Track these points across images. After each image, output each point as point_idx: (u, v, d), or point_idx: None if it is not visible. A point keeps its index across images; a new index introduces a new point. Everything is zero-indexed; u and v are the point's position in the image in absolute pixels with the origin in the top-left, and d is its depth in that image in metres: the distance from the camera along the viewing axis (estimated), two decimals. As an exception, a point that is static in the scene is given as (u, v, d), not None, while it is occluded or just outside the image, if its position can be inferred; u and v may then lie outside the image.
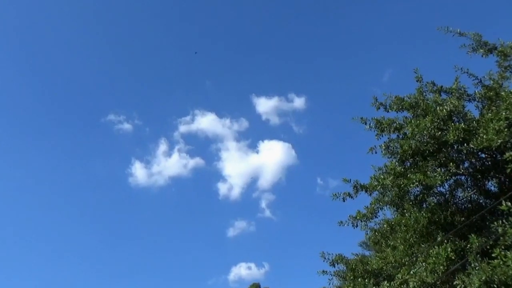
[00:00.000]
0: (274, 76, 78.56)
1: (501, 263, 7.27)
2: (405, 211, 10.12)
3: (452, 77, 10.41)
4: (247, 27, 78.14)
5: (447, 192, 10.29)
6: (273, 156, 66.38)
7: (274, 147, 65.94)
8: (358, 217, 10.05)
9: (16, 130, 72.03)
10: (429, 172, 9.21)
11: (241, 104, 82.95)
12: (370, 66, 71.07)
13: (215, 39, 79.22)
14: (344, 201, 10.12)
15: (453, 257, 8.08)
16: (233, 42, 79.24)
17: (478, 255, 7.77)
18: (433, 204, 10.06)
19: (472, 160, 9.90)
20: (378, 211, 10.16)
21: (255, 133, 74.80)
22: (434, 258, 8.15)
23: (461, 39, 10.48)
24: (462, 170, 9.88)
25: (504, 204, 7.71)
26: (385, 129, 10.22)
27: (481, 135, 8.58)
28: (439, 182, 9.06)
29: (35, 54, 73.30)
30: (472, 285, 7.36)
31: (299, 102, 66.34)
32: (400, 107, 10.31)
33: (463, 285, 7.61)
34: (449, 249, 8.12)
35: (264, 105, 71.74)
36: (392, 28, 72.25)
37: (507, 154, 8.12)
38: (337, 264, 11.14)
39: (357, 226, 10.15)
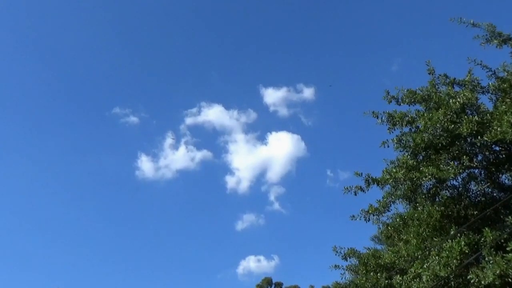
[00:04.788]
0: (282, 66, 77.81)
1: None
2: (417, 204, 10.07)
3: (465, 69, 10.30)
4: (253, 16, 77.66)
5: (460, 186, 10.20)
6: (282, 148, 65.92)
7: (283, 139, 65.43)
8: (370, 211, 10.00)
9: (20, 125, 72.49)
10: (442, 166, 9.15)
11: (248, 95, 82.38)
12: (379, 56, 70.39)
13: (220, 29, 78.75)
14: (355, 194, 10.09)
15: (466, 251, 8.03)
16: (238, 31, 78.75)
17: (492, 249, 7.69)
18: (446, 197, 10.00)
19: (486, 153, 9.80)
20: (391, 205, 10.11)
21: (263, 125, 74.17)
22: (447, 252, 8.10)
23: (474, 30, 10.33)
24: (476, 163, 9.79)
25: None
26: (397, 122, 10.15)
27: (495, 127, 8.49)
28: (452, 176, 9.00)
29: (40, 49, 73.59)
30: (486, 278, 7.30)
31: (308, 93, 65.68)
32: (412, 100, 10.23)
33: (477, 279, 7.55)
34: (462, 243, 8.06)
35: (272, 96, 70.70)
36: (400, 17, 71.52)
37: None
38: (350, 258, 11.13)
39: (369, 220, 10.10)
